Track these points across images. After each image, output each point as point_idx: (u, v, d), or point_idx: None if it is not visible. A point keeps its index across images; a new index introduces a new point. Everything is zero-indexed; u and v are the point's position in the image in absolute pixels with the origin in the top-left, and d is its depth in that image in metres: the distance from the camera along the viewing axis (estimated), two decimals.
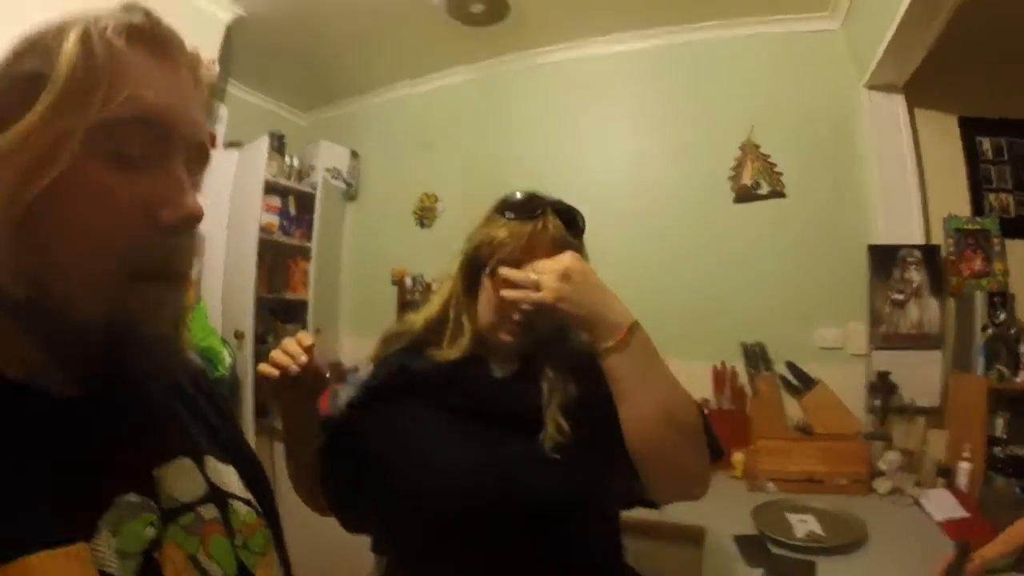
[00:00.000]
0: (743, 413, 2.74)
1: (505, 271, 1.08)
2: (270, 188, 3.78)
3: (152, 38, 0.58)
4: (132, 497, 0.56)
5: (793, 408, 2.71)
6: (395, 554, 1.18)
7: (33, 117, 0.51)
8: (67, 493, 0.52)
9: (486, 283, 1.14)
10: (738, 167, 3.00)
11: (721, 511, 2.12)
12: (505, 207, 1.16)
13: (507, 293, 1.06)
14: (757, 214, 2.95)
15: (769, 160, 2.94)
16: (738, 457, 2.54)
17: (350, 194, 4.26)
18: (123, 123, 0.54)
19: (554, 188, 3.19)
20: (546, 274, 1.02)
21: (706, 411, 2.63)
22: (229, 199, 3.63)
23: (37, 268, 0.53)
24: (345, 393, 2.14)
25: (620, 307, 1.03)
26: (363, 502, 1.13)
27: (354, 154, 4.21)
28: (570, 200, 1.07)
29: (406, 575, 1.15)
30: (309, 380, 1.10)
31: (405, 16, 3.29)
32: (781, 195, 2.91)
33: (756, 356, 2.77)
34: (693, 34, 3.19)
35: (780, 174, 2.92)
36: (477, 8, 3.12)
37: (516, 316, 1.10)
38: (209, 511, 0.65)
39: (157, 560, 0.56)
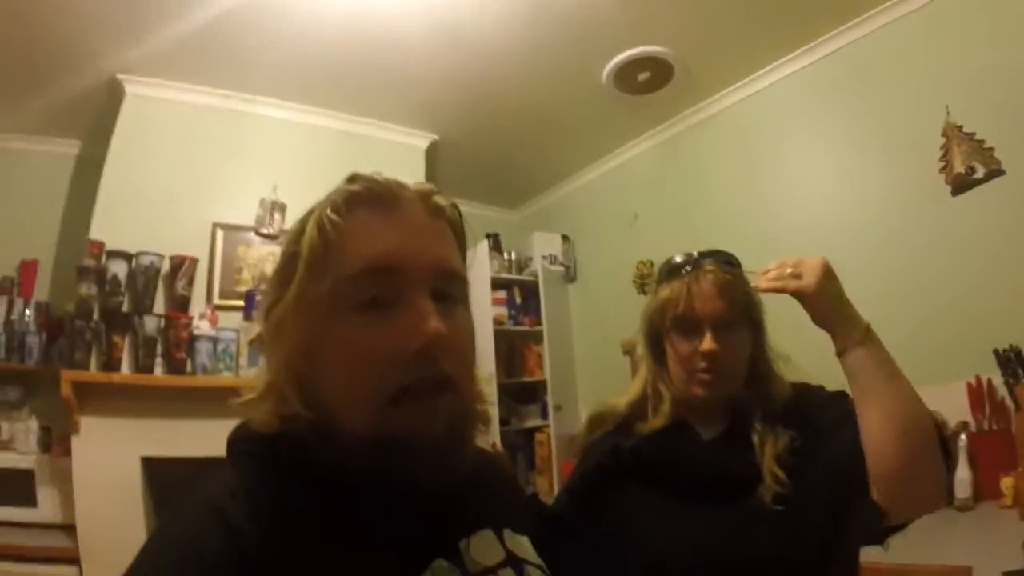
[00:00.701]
0: (1007, 431, 2.36)
1: (763, 274, 1.13)
2: (495, 283, 4.16)
3: (370, 198, 0.68)
4: (442, 563, 0.69)
5: None
6: None
7: (293, 289, 0.66)
8: (393, 562, 0.66)
9: (668, 346, 1.17)
10: (946, 155, 2.69)
11: (990, 545, 1.89)
12: (662, 273, 1.21)
13: (762, 281, 1.10)
14: (980, 201, 2.59)
15: (976, 138, 2.60)
16: (1007, 482, 2.17)
17: (569, 276, 4.50)
18: (355, 278, 0.64)
19: (760, 229, 3.16)
20: (806, 267, 1.07)
21: (966, 435, 2.34)
22: None
23: (319, 399, 0.65)
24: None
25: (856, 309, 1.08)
26: None
27: (565, 238, 4.48)
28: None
29: None
30: None
31: (580, 102, 3.54)
32: (1000, 172, 2.54)
33: (1012, 362, 2.39)
34: (855, 31, 3.00)
35: (991, 150, 2.56)
36: (643, 76, 3.27)
37: (702, 365, 1.11)
38: (507, 574, 0.76)
39: None
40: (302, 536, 0.61)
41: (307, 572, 0.59)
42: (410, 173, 3.39)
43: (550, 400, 4.13)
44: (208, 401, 2.61)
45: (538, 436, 4.07)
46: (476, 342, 0.76)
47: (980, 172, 2.58)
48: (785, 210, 3.23)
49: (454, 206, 0.76)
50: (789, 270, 1.06)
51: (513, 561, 0.77)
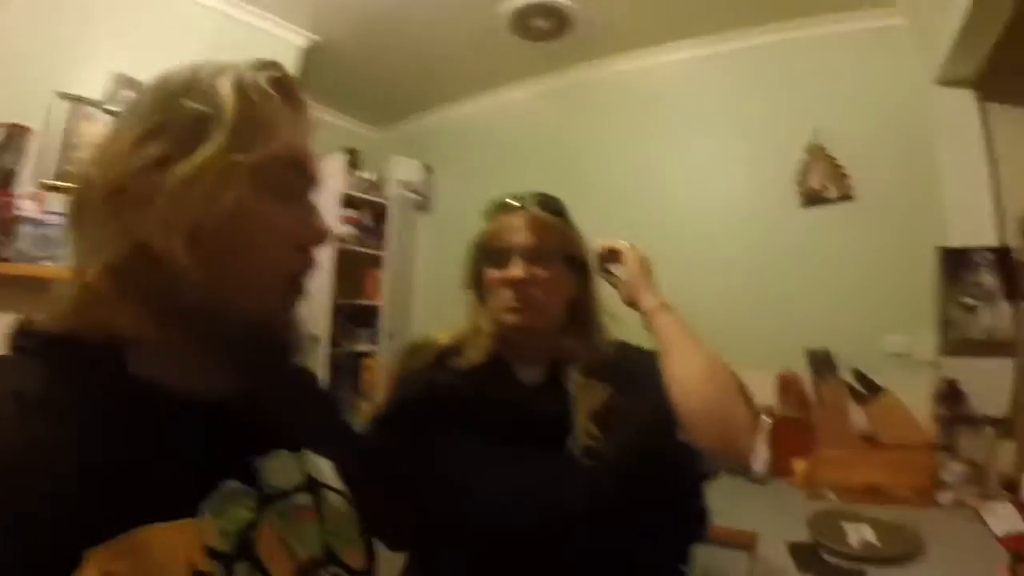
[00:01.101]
0: (807, 421, 2.66)
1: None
2: (346, 201, 3.99)
3: (289, 89, 0.70)
4: (235, 483, 0.66)
5: (859, 416, 2.61)
6: (425, 569, 1.16)
7: (208, 151, 0.61)
8: (182, 478, 0.61)
9: (485, 279, 1.19)
10: (805, 170, 2.93)
11: (777, 518, 2.09)
12: (488, 212, 1.23)
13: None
14: (825, 218, 2.88)
15: (836, 163, 2.86)
16: (800, 465, 2.46)
17: (423, 206, 4.42)
18: (280, 163, 0.67)
19: (623, 195, 3.27)
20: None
21: (769, 417, 2.59)
22: None
23: (216, 281, 0.63)
24: None
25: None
26: (398, 523, 1.09)
27: (427, 168, 4.37)
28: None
29: None
30: None
31: (471, 34, 3.41)
32: (849, 198, 2.83)
33: (822, 363, 2.68)
34: (756, 38, 3.16)
35: (848, 177, 2.84)
36: (540, 24, 3.21)
37: (509, 293, 1.13)
38: (303, 498, 0.73)
39: (253, 539, 0.65)
40: (77, 446, 0.57)
41: (76, 486, 0.55)
42: None
43: (383, 327, 4.09)
44: (27, 292, 2.17)
45: (367, 362, 4.02)
46: None
47: (832, 193, 2.86)
48: (654, 183, 3.40)
49: None
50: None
51: (311, 485, 0.76)
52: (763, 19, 3.07)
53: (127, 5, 2.87)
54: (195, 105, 0.63)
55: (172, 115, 0.63)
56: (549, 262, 1.13)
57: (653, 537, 1.05)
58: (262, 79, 0.67)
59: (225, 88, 0.64)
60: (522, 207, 1.17)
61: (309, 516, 0.73)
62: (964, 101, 2.53)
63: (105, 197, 0.61)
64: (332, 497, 0.78)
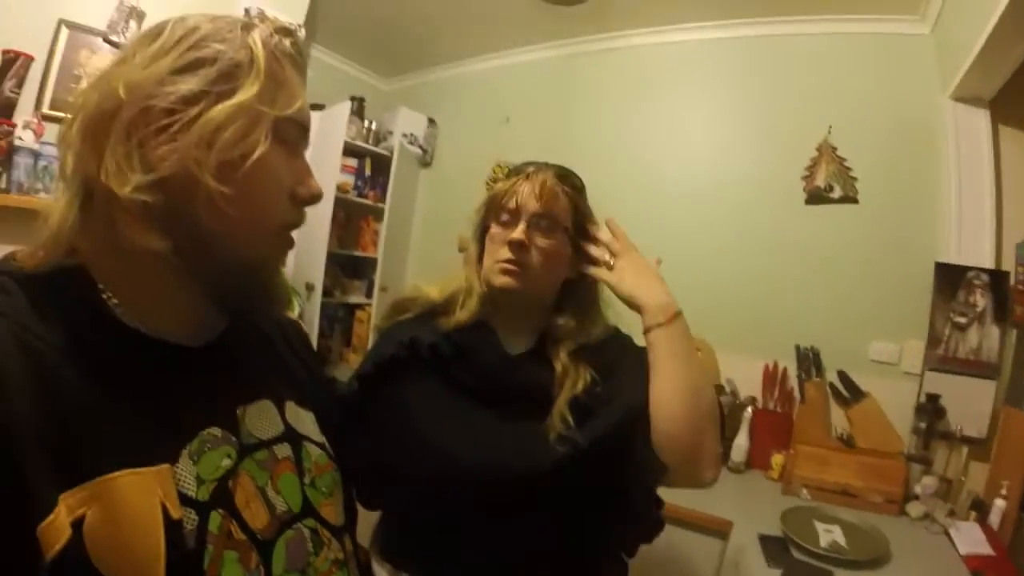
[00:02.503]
0: (788, 416, 2.75)
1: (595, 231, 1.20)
2: (348, 149, 3.93)
3: (299, 58, 0.76)
4: (215, 431, 0.67)
5: (839, 418, 2.69)
6: (396, 524, 1.17)
7: (242, 97, 0.66)
8: (160, 424, 0.63)
9: (487, 238, 1.20)
10: (813, 167, 2.93)
11: (752, 508, 2.19)
12: (507, 176, 1.23)
13: (594, 233, 1.20)
14: (827, 217, 2.90)
15: (845, 164, 2.87)
16: (777, 459, 2.56)
17: (425, 160, 4.37)
18: (293, 122, 0.72)
19: (626, 168, 3.28)
20: (627, 264, 1.15)
21: (752, 408, 2.66)
22: (309, 158, 3.81)
23: (223, 219, 0.66)
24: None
25: (667, 292, 1.13)
26: (371, 478, 1.08)
27: (431, 122, 4.31)
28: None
29: (409, 544, 1.13)
30: None
31: None
32: (853, 200, 2.84)
33: (809, 360, 2.76)
34: (777, 27, 3.11)
35: (855, 179, 2.85)
36: None
37: (507, 255, 1.13)
38: (283, 449, 0.75)
39: (230, 488, 0.66)
40: (57, 390, 0.57)
41: (54, 430, 0.56)
42: (290, 10, 3.06)
43: (377, 280, 4.09)
44: (22, 224, 2.18)
45: (359, 313, 4.04)
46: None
47: (837, 192, 2.86)
48: (650, 160, 3.37)
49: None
50: (608, 257, 1.17)
51: (291, 436, 0.78)
52: (786, 9, 3.02)
53: None
54: (231, 53, 0.67)
55: (207, 56, 0.66)
56: (552, 232, 1.15)
57: (602, 519, 1.07)
58: (286, 43, 0.73)
59: (257, 45, 0.69)
60: (539, 173, 1.17)
61: (288, 468, 0.75)
62: (977, 119, 2.54)
63: (131, 122, 0.63)
64: (312, 449, 0.80)
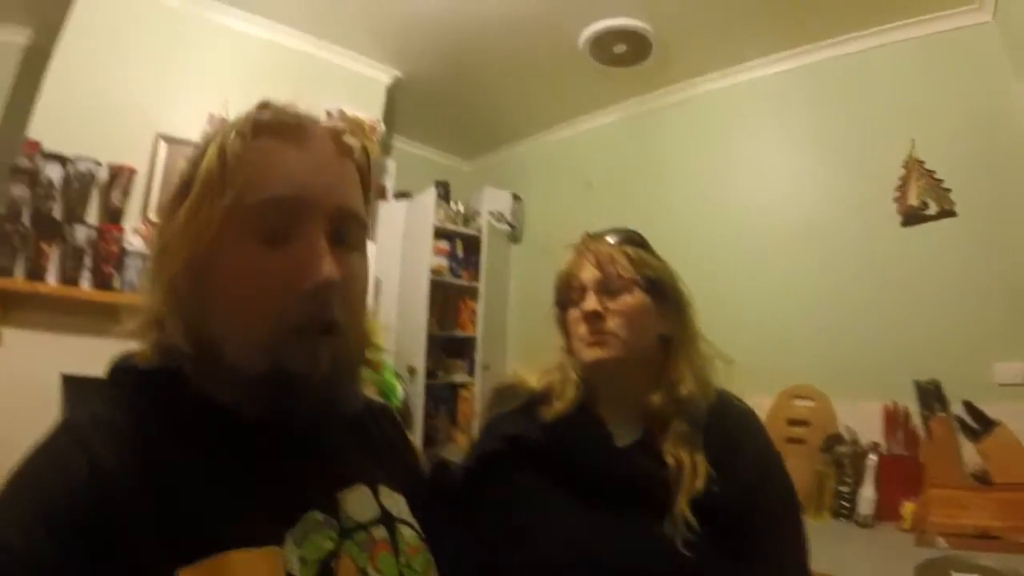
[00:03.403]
0: (915, 459, 2.47)
1: None
2: (438, 233, 4.08)
3: (278, 127, 0.68)
4: (317, 514, 0.68)
5: (970, 453, 2.38)
6: None
7: (183, 210, 0.66)
8: (266, 506, 0.64)
9: (567, 319, 1.16)
10: (903, 186, 2.74)
11: (883, 566, 1.98)
12: (568, 250, 1.20)
13: None
14: (927, 237, 2.67)
15: (935, 176, 2.67)
16: (908, 507, 2.28)
17: (514, 236, 4.45)
18: (256, 206, 0.65)
19: (711, 218, 3.20)
20: None
21: (875, 455, 2.44)
22: (401, 245, 3.98)
23: (204, 331, 0.65)
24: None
25: None
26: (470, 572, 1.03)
27: (516, 197, 4.41)
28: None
29: None
30: None
31: (553, 63, 3.44)
32: (951, 214, 2.62)
33: (930, 395, 2.48)
34: (839, 48, 3.02)
35: (948, 190, 2.64)
36: (620, 49, 3.20)
37: (586, 329, 1.09)
38: (379, 532, 0.75)
39: (333, 568, 0.67)
40: (165, 472, 0.60)
41: (166, 509, 0.58)
42: (368, 107, 3.27)
43: (479, 358, 4.12)
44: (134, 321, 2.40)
45: (463, 392, 4.06)
46: (369, 288, 0.77)
47: (933, 209, 2.67)
48: (738, 206, 3.28)
49: (364, 149, 0.75)
50: None
51: (386, 519, 0.77)
52: (844, 28, 2.94)
53: (224, 51, 3.09)
54: (189, 169, 0.68)
55: (178, 181, 0.69)
56: (621, 292, 1.09)
57: None
58: (244, 128, 0.67)
59: (210, 150, 0.66)
60: (591, 243, 1.14)
61: (385, 548, 0.74)
62: None
63: (152, 240, 0.70)
64: (405, 531, 0.79)
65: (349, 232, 0.70)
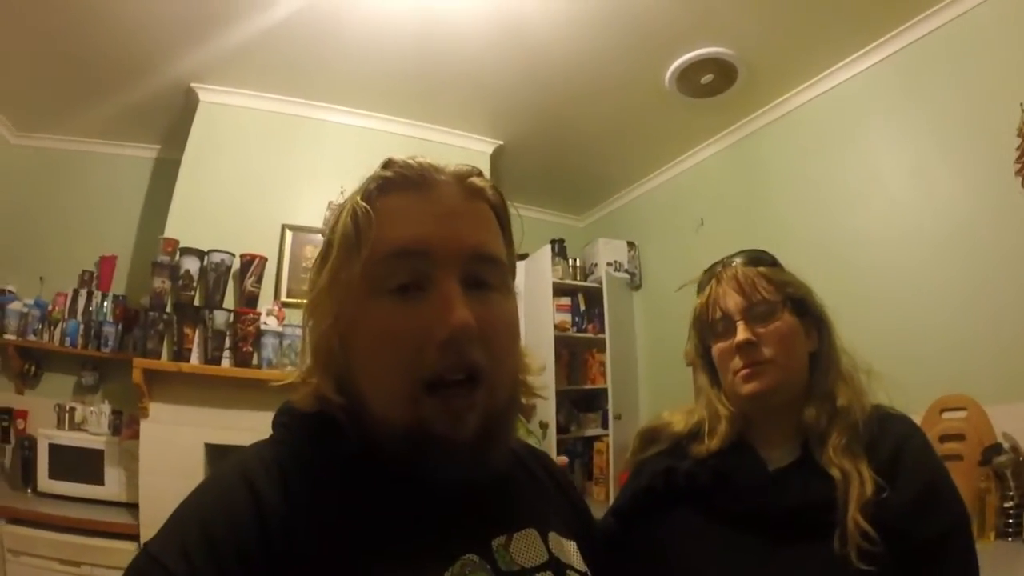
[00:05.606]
0: None
1: None
2: (558, 289, 4.14)
3: (401, 181, 0.70)
4: (472, 556, 0.69)
5: None
6: None
7: (325, 271, 0.69)
8: (426, 548, 0.66)
9: (714, 355, 1.11)
10: (1022, 156, 2.39)
11: None
12: (699, 284, 1.17)
13: None
14: None
15: None
16: None
17: (634, 283, 4.43)
18: (385, 261, 0.65)
19: (828, 232, 3.02)
20: None
21: None
22: (523, 305, 4.06)
23: (352, 384, 0.67)
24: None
25: None
26: None
27: (631, 244, 4.41)
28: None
29: None
30: None
31: (644, 106, 3.48)
32: None
33: None
34: (924, 24, 2.79)
35: None
36: (707, 79, 3.19)
37: (740, 362, 1.05)
38: None
39: None
40: (327, 511, 0.62)
41: (327, 547, 0.60)
42: None
43: (611, 409, 4.04)
44: (271, 393, 2.61)
45: (597, 445, 3.99)
46: (519, 330, 0.73)
47: None
48: (855, 212, 3.05)
49: (495, 188, 0.75)
50: None
51: (555, 564, 0.74)
52: (923, 4, 2.73)
53: (335, 143, 3.44)
54: (328, 234, 0.72)
55: (322, 247, 0.73)
56: (771, 316, 1.05)
57: None
58: (371, 189, 0.70)
59: (344, 210, 0.70)
60: (726, 270, 1.11)
61: None
62: None
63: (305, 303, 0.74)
64: None
65: (486, 273, 0.68)
